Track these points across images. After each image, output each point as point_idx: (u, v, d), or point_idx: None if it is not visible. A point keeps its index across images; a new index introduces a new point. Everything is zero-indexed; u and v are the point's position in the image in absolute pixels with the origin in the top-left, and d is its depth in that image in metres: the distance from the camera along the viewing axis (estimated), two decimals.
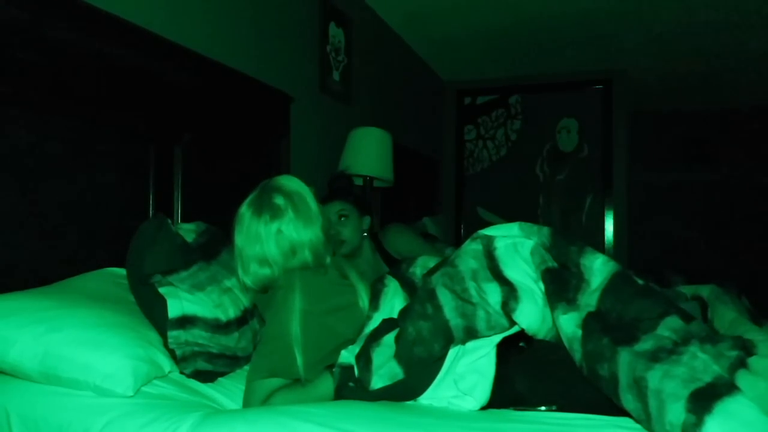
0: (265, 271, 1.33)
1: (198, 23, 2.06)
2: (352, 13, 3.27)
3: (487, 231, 1.22)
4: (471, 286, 1.13)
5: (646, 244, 6.01)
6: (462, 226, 5.12)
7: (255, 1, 2.42)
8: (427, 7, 3.58)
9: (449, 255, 1.27)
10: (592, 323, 1.02)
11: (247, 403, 1.20)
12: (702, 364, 0.92)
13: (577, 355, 1.02)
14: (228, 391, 1.27)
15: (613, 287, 1.07)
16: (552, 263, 1.13)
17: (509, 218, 5.02)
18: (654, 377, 0.90)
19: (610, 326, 1.01)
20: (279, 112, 2.52)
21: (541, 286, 1.11)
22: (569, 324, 1.02)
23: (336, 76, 3.10)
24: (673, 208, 6.25)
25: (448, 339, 1.12)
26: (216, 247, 1.52)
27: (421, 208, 4.39)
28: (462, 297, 1.12)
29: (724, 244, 6.05)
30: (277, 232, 1.32)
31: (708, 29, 3.86)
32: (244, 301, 1.46)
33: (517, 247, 1.17)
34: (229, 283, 1.44)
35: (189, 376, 1.22)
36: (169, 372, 1.21)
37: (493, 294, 1.11)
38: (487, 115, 5.14)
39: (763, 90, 5.35)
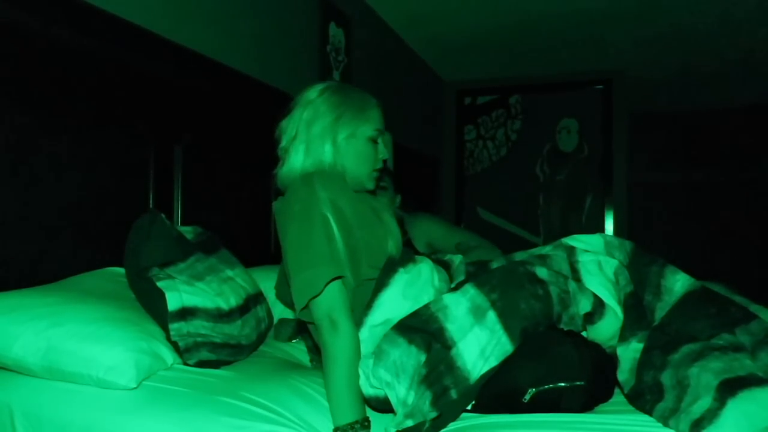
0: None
1: (198, 23, 2.07)
2: (352, 13, 3.28)
3: (570, 240, 1.24)
4: (570, 285, 1.16)
5: (646, 244, 6.01)
6: (462, 226, 5.12)
7: (255, 1, 2.43)
8: (427, 8, 3.58)
9: (534, 253, 1.26)
10: (650, 337, 1.06)
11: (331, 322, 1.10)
12: (741, 365, 0.95)
13: (627, 365, 1.06)
14: (231, 382, 1.26)
15: (681, 304, 1.11)
16: (631, 286, 1.16)
17: (509, 218, 5.03)
18: (693, 374, 0.94)
19: (666, 338, 1.05)
20: (279, 112, 2.52)
21: (620, 309, 1.15)
22: (637, 348, 1.07)
23: (336, 76, 3.10)
24: (673, 207, 6.26)
25: (548, 323, 1.14)
26: (215, 244, 1.52)
27: (421, 208, 4.40)
28: (563, 289, 1.15)
29: (723, 244, 6.05)
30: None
31: (708, 29, 3.86)
32: (247, 288, 1.47)
33: (602, 265, 1.19)
34: (230, 272, 1.45)
35: (193, 366, 1.23)
36: (172, 364, 1.21)
37: (586, 301, 1.15)
38: (487, 115, 5.14)
39: (762, 90, 5.35)
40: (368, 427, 1.06)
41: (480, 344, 1.05)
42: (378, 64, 3.70)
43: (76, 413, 1.07)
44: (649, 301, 1.14)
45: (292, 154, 1.30)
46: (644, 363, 1.03)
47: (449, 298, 1.11)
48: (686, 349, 1.00)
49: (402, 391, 1.04)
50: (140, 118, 1.74)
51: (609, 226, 4.79)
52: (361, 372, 1.09)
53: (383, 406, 1.10)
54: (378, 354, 1.07)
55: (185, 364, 1.23)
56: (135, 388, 1.10)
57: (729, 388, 0.89)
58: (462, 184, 5.18)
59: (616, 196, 4.79)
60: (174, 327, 1.21)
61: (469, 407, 1.11)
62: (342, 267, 1.14)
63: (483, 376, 1.05)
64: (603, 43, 4.18)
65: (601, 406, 1.14)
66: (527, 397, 1.07)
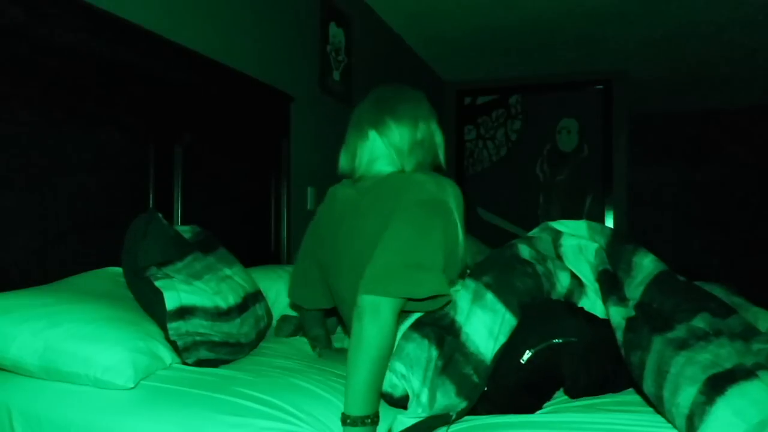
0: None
1: (198, 23, 2.07)
2: (352, 13, 3.28)
3: (556, 225, 1.28)
4: (549, 264, 1.20)
5: (646, 245, 6.01)
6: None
7: (255, 1, 2.43)
8: (427, 7, 3.58)
9: (521, 237, 1.30)
10: (635, 313, 1.07)
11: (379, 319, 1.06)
12: (727, 353, 0.95)
13: (619, 342, 1.07)
14: (228, 380, 1.26)
15: (657, 281, 1.13)
16: (607, 265, 1.19)
17: (509, 218, 5.03)
18: (677, 363, 0.94)
19: (649, 316, 1.07)
20: (279, 112, 2.52)
21: (596, 285, 1.19)
22: (617, 315, 1.08)
23: (336, 76, 3.10)
24: (673, 208, 6.26)
25: (542, 297, 1.17)
26: (213, 243, 1.52)
27: None
28: (547, 268, 1.19)
29: (723, 244, 6.05)
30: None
31: (708, 29, 3.86)
32: (246, 286, 1.47)
33: (581, 248, 1.23)
34: (228, 271, 1.45)
35: (192, 365, 1.23)
36: (170, 364, 1.21)
37: (564, 280, 1.19)
38: (487, 115, 5.14)
39: (763, 90, 5.35)
40: (378, 422, 1.06)
41: (486, 325, 1.08)
42: (378, 64, 3.70)
43: (75, 413, 1.07)
44: (621, 276, 1.18)
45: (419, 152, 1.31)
46: (631, 342, 1.03)
47: (456, 295, 1.15)
48: (671, 334, 1.00)
49: (416, 384, 1.06)
50: (140, 118, 1.73)
51: (609, 226, 4.79)
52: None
53: (395, 403, 1.12)
54: (396, 349, 1.10)
55: (184, 363, 1.23)
56: (133, 388, 1.10)
57: (716, 384, 0.88)
58: (462, 184, 5.18)
59: (616, 196, 4.79)
60: (172, 326, 1.21)
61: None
62: (447, 284, 1.13)
63: (497, 355, 1.07)
64: (603, 43, 4.18)
65: (609, 402, 1.14)
66: (525, 358, 1.09)
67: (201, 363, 1.24)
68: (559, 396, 1.22)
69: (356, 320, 1.07)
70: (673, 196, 6.26)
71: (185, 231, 1.50)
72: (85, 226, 1.55)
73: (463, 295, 1.13)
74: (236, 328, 1.35)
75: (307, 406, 1.07)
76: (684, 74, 4.94)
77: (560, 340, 1.09)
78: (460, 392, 1.04)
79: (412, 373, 1.07)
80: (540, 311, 1.13)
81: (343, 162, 1.35)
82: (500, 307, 1.09)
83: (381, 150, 1.30)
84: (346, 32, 3.20)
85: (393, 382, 1.11)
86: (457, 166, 5.19)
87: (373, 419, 1.04)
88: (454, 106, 5.22)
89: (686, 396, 0.89)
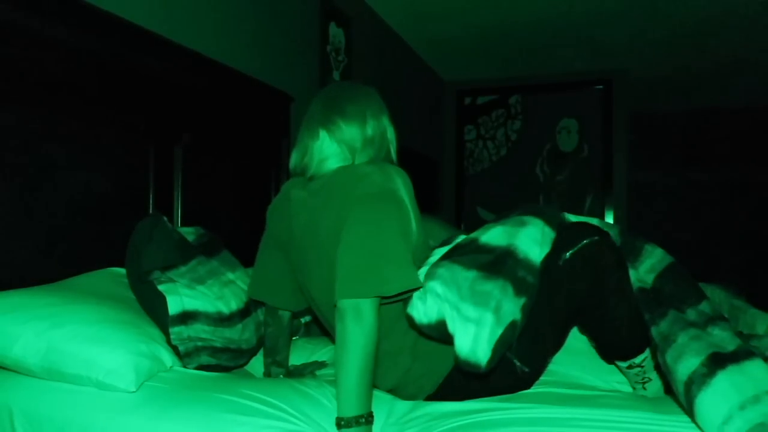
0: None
1: (198, 23, 2.07)
2: (352, 13, 3.28)
3: (571, 217, 1.36)
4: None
5: None
6: (462, 226, 5.13)
7: (255, 1, 2.43)
8: (427, 7, 3.58)
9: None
10: (649, 292, 1.17)
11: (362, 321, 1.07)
12: (730, 336, 1.03)
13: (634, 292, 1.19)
14: (230, 381, 1.26)
15: (668, 272, 1.23)
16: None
17: None
18: (686, 335, 1.02)
19: (663, 298, 1.17)
20: (279, 112, 2.53)
21: None
22: (632, 275, 1.20)
23: (336, 76, 3.10)
24: (673, 207, 6.26)
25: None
26: (216, 246, 1.53)
27: (421, 208, 4.39)
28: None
29: (722, 244, 6.05)
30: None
31: (708, 29, 3.86)
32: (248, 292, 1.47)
33: None
34: (231, 275, 1.44)
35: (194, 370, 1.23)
36: (171, 367, 1.22)
37: None
38: (487, 115, 5.14)
39: (762, 90, 5.35)
40: (372, 422, 1.06)
41: (530, 236, 1.17)
42: (378, 64, 3.70)
43: (76, 413, 1.07)
44: (630, 259, 1.26)
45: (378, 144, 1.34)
46: (646, 304, 1.12)
47: (475, 234, 1.22)
48: (684, 315, 1.10)
49: (454, 299, 1.10)
50: (140, 118, 1.74)
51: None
52: (415, 298, 1.14)
53: (431, 332, 1.14)
54: (427, 277, 1.15)
55: (185, 368, 1.23)
56: (134, 391, 1.10)
57: (719, 360, 0.95)
58: (462, 184, 5.18)
59: (616, 196, 4.79)
60: (174, 331, 1.21)
61: None
62: (417, 275, 1.15)
63: (543, 261, 1.16)
64: (603, 43, 4.18)
65: (613, 396, 1.17)
66: (565, 257, 1.18)
67: (202, 369, 1.24)
68: (562, 385, 1.25)
69: (339, 323, 1.09)
70: (672, 195, 6.26)
71: (189, 233, 1.50)
72: (85, 226, 1.55)
73: (483, 232, 1.21)
74: (238, 334, 1.35)
75: (305, 408, 1.08)
76: (684, 74, 4.94)
77: (596, 237, 1.17)
78: (519, 291, 1.10)
79: (449, 290, 1.11)
80: (568, 227, 1.24)
81: (295, 160, 1.36)
82: (539, 222, 1.19)
83: (332, 149, 1.30)
84: (346, 32, 3.20)
85: (426, 309, 1.12)
86: (457, 166, 5.19)
87: (367, 418, 1.05)
88: (454, 106, 5.22)
89: (688, 365, 0.96)
